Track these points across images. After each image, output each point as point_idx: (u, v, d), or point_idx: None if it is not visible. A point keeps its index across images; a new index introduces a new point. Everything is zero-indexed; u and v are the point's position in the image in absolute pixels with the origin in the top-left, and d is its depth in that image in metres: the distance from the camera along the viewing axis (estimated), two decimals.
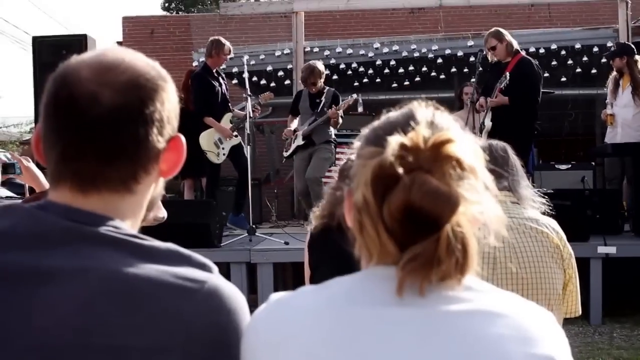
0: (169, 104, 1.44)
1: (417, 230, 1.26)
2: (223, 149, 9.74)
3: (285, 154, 10.48)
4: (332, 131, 10.10)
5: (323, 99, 9.99)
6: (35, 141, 1.45)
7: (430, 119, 1.38)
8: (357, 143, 1.45)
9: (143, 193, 1.44)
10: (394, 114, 1.44)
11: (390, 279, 1.29)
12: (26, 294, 1.28)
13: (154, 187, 1.47)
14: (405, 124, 1.36)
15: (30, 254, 1.30)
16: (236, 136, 9.82)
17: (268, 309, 1.39)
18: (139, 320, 1.28)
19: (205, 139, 9.66)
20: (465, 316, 1.29)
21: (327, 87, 10.30)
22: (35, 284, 1.28)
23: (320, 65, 10.18)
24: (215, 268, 1.39)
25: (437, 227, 1.26)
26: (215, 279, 1.37)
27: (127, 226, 1.39)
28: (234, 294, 1.39)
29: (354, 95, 10.31)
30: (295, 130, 10.18)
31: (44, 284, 1.28)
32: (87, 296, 1.27)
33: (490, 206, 1.33)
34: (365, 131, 1.46)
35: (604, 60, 12.26)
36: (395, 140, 1.28)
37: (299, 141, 10.05)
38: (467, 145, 1.32)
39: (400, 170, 1.26)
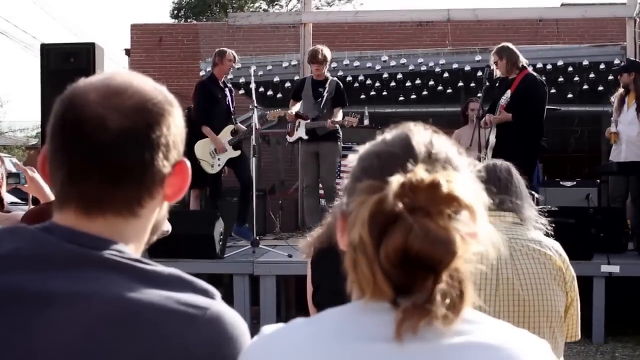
0: (175, 128, 1.44)
1: (414, 274, 1.24)
2: (219, 159, 9.81)
3: (290, 139, 10.42)
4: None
5: (325, 93, 9.98)
6: (42, 162, 1.46)
7: (428, 149, 1.36)
8: (354, 164, 1.43)
9: (147, 217, 1.45)
10: (389, 137, 1.42)
11: (382, 312, 1.28)
12: (29, 317, 1.29)
13: (158, 211, 1.48)
14: (403, 157, 1.34)
15: (34, 277, 1.30)
16: (238, 149, 9.85)
17: (260, 343, 1.38)
18: (141, 345, 1.28)
19: (200, 148, 9.75)
20: (460, 349, 1.28)
21: (331, 78, 10.30)
22: (39, 307, 1.29)
23: (326, 50, 10.11)
24: (218, 294, 1.40)
25: (434, 271, 1.24)
26: (217, 305, 1.37)
27: (131, 250, 1.40)
28: (236, 321, 1.39)
29: (358, 116, 10.24)
30: (297, 115, 10.11)
31: (47, 307, 1.29)
32: (90, 321, 1.28)
33: (487, 241, 1.33)
34: (362, 154, 1.43)
35: (611, 77, 12.27)
36: (394, 181, 1.26)
37: (302, 133, 10.02)
38: (464, 182, 1.29)
39: (399, 211, 1.24)
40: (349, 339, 1.30)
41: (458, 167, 1.37)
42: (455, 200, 1.26)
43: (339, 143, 10.14)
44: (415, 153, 1.35)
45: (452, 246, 1.24)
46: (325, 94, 9.96)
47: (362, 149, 1.45)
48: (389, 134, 1.43)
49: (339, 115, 9.92)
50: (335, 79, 10.41)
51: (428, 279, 1.24)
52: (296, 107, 10.23)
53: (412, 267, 1.24)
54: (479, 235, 1.29)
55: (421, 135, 1.40)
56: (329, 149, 10.02)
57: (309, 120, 9.98)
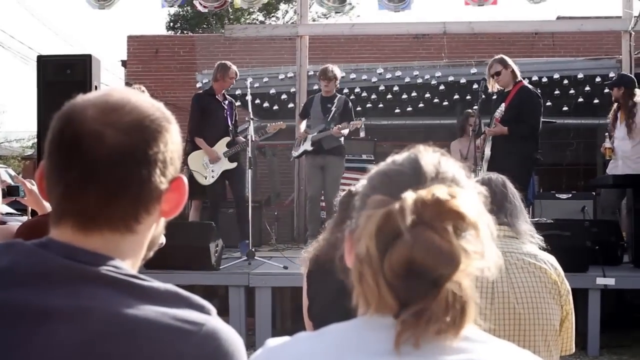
0: (172, 145, 1.45)
1: (417, 286, 1.27)
2: (212, 171, 9.84)
3: (295, 154, 10.59)
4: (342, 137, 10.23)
5: (334, 107, 10.14)
6: (39, 178, 1.46)
7: (436, 168, 1.39)
8: (363, 184, 1.47)
9: (144, 233, 1.45)
10: (399, 159, 1.45)
11: (386, 328, 1.29)
12: (26, 333, 1.29)
13: (155, 227, 1.49)
14: (411, 175, 1.37)
15: (31, 293, 1.31)
16: (234, 161, 9.84)
17: (264, 355, 1.40)
18: None
19: (193, 159, 9.82)
20: None
21: (339, 95, 10.43)
22: (36, 323, 1.29)
23: (337, 69, 10.28)
24: (213, 310, 1.40)
25: (437, 284, 1.26)
26: (213, 321, 1.38)
27: (128, 266, 1.40)
28: (232, 337, 1.40)
29: (363, 119, 10.33)
30: (305, 132, 10.31)
31: (44, 323, 1.29)
32: (87, 337, 1.28)
33: (491, 259, 1.34)
34: (372, 174, 1.47)
35: (606, 90, 12.29)
36: (401, 196, 1.29)
37: (308, 146, 10.20)
38: (471, 200, 1.33)
39: (405, 225, 1.27)
40: (351, 353, 1.31)
41: (464, 187, 1.39)
42: (460, 217, 1.28)
43: (342, 158, 10.31)
44: (423, 172, 1.38)
45: (455, 259, 1.27)
46: (334, 109, 10.14)
47: (372, 170, 1.48)
48: (398, 156, 1.47)
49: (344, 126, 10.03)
50: (343, 96, 10.58)
51: (430, 293, 1.26)
52: (303, 126, 10.40)
53: (416, 280, 1.27)
54: (483, 253, 1.31)
55: (430, 156, 1.43)
56: (334, 164, 10.19)
57: (315, 133, 10.10)
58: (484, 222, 1.33)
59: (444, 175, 1.38)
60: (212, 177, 9.83)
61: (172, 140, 1.46)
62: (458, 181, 1.39)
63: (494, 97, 9.30)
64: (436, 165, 1.40)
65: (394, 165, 1.44)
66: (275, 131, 10.28)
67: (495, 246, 1.35)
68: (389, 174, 1.42)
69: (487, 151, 8.82)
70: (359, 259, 1.32)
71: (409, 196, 1.29)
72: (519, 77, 8.98)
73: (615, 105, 9.91)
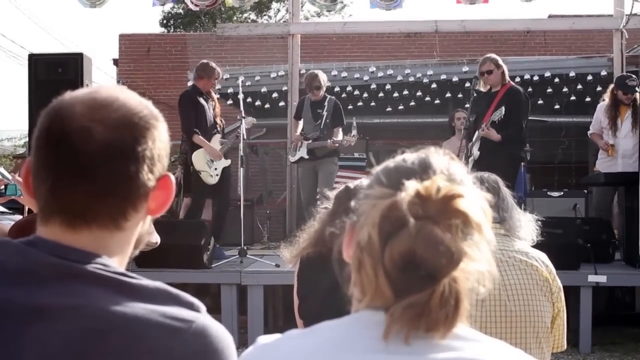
0: (160, 142, 1.45)
1: (414, 279, 1.27)
2: (215, 169, 9.56)
3: (292, 159, 10.54)
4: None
5: (324, 112, 10.13)
6: (25, 175, 1.45)
7: (446, 169, 1.39)
8: (368, 180, 1.47)
9: (131, 230, 1.45)
10: (409, 157, 1.45)
11: (378, 325, 1.29)
12: (15, 331, 1.28)
13: (142, 225, 1.48)
14: (420, 172, 1.37)
15: (20, 291, 1.30)
16: (227, 158, 9.70)
17: (255, 352, 1.39)
18: (127, 359, 1.28)
19: (197, 159, 9.46)
20: None
21: (329, 97, 10.40)
22: (24, 321, 1.29)
23: (322, 74, 10.24)
24: (203, 307, 1.40)
25: (434, 279, 1.26)
26: (203, 318, 1.38)
27: (115, 263, 1.40)
28: (222, 334, 1.39)
29: (356, 136, 10.25)
30: (301, 134, 10.28)
31: (33, 322, 1.28)
32: (76, 334, 1.28)
33: (489, 263, 1.34)
34: (380, 169, 1.47)
35: (598, 88, 12.30)
36: (409, 186, 1.30)
37: (304, 153, 10.18)
38: (476, 202, 1.33)
39: (409, 216, 1.27)
40: (342, 350, 1.31)
41: (472, 190, 1.39)
42: (465, 216, 1.29)
43: (336, 159, 10.30)
44: (432, 170, 1.39)
45: (456, 257, 1.27)
46: (324, 113, 10.12)
47: (380, 165, 1.48)
48: (408, 155, 1.47)
49: (339, 135, 10.05)
50: (332, 97, 10.51)
51: (427, 287, 1.26)
52: (300, 127, 10.37)
53: (414, 272, 1.26)
54: (483, 256, 1.31)
55: (439, 157, 1.43)
56: (327, 164, 10.16)
57: (310, 141, 10.12)
58: (488, 226, 1.33)
59: (453, 177, 1.39)
60: (217, 175, 9.56)
61: (160, 138, 1.45)
62: (466, 184, 1.40)
63: (481, 95, 9.26)
64: (446, 166, 1.41)
65: (403, 162, 1.44)
66: (248, 126, 9.92)
67: (493, 248, 1.35)
68: (398, 169, 1.42)
69: (475, 151, 8.81)
70: (359, 246, 1.32)
71: (416, 188, 1.30)
72: (507, 78, 8.97)
73: (609, 102, 9.80)
